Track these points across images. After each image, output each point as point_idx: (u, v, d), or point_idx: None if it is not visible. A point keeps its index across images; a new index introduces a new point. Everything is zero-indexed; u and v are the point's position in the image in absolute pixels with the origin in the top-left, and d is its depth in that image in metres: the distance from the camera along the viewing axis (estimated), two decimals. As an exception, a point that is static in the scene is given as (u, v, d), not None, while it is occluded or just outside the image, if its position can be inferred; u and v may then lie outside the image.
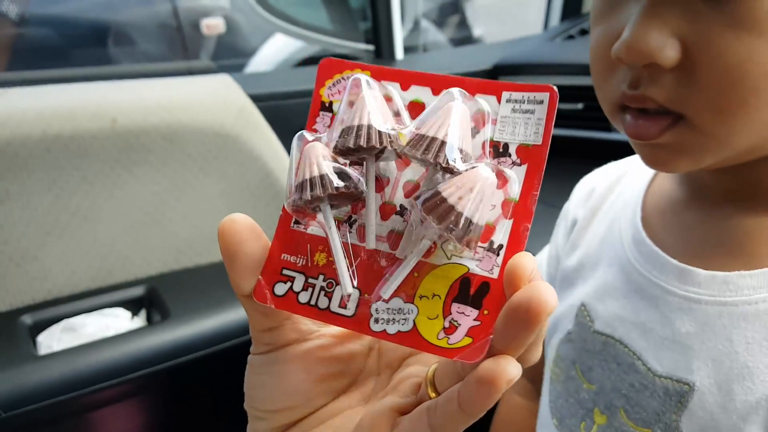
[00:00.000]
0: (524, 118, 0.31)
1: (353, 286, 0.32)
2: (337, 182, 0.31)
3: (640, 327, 0.49)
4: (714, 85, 0.38)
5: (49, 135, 0.96)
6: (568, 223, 0.63)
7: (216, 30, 2.97)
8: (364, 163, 0.33)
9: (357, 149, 0.31)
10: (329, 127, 0.34)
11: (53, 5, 2.40)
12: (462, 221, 0.29)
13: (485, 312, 0.30)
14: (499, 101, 0.32)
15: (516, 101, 0.32)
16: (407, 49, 1.37)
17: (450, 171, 0.30)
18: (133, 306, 1.05)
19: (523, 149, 0.31)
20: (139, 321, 1.05)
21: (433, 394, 0.32)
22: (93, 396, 0.91)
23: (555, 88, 0.31)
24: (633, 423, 0.48)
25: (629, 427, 0.48)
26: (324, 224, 0.32)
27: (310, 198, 0.31)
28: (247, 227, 0.32)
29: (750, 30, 0.36)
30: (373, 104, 0.32)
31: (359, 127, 0.31)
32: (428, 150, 0.30)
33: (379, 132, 0.31)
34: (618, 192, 0.58)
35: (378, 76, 0.34)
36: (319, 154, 0.32)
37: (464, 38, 3.31)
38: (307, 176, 0.32)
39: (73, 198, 1.00)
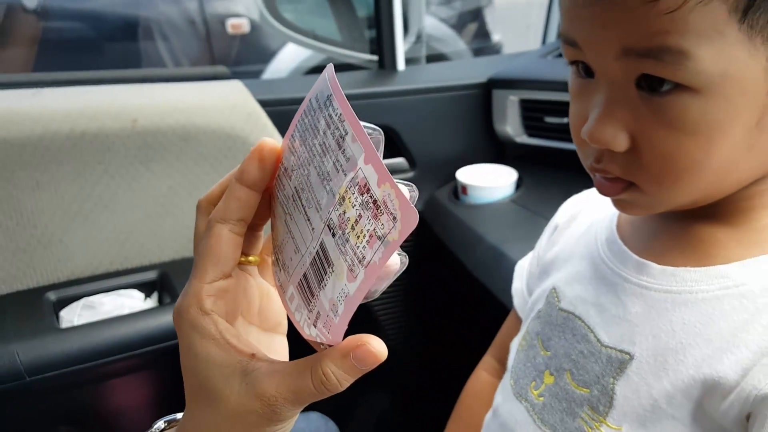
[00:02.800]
0: None
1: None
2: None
3: (598, 307, 0.57)
4: (654, 166, 0.47)
5: (76, 132, 1.06)
6: (550, 228, 0.73)
7: (240, 29, 3.06)
8: None
9: None
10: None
11: (84, 1, 2.51)
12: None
13: None
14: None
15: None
16: (410, 60, 1.45)
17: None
18: (146, 288, 1.14)
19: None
20: (151, 302, 1.14)
21: None
22: (107, 367, 1.01)
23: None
24: (575, 384, 0.56)
25: (571, 387, 0.57)
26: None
27: None
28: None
29: (678, 130, 0.45)
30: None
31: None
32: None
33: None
34: (597, 202, 0.67)
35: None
36: None
37: (483, 46, 3.34)
38: None
39: (96, 189, 1.09)
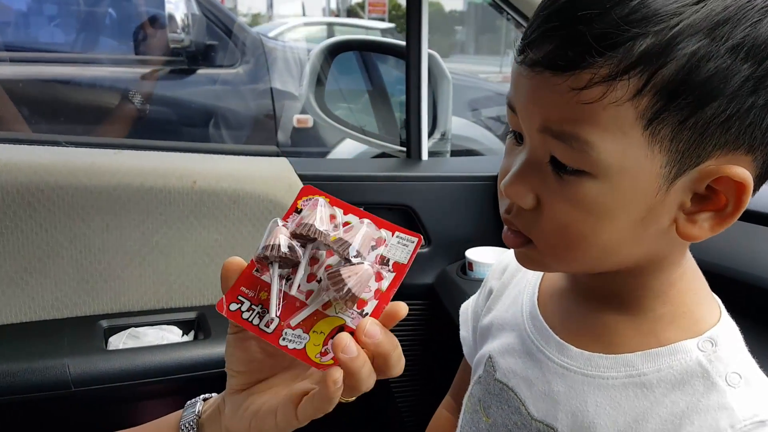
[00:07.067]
0: (402, 248, 0.50)
1: (276, 315, 0.49)
2: (284, 250, 0.49)
3: (527, 381, 0.59)
4: (549, 230, 0.50)
5: (144, 186, 1.18)
6: (485, 291, 0.76)
7: (305, 124, 3.26)
8: (307, 245, 0.50)
9: (303, 236, 0.49)
10: (296, 223, 0.51)
11: (172, 89, 2.73)
12: (345, 290, 0.47)
13: None
14: (392, 235, 0.50)
15: (400, 238, 0.50)
16: (436, 153, 1.56)
17: (349, 261, 0.48)
18: (185, 326, 1.23)
19: (396, 264, 0.49)
20: (188, 339, 1.22)
21: None
22: (143, 387, 1.08)
23: (421, 236, 0.49)
24: None
25: None
26: (271, 274, 0.50)
27: (267, 255, 0.49)
28: (239, 266, 0.51)
29: (574, 206, 0.48)
30: (321, 215, 0.50)
31: (308, 225, 0.49)
32: (341, 247, 0.49)
33: (317, 229, 0.49)
34: (524, 272, 0.69)
35: (332, 202, 0.52)
36: (281, 233, 0.49)
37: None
38: (269, 243, 0.49)
39: (155, 236, 1.20)
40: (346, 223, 0.51)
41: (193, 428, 0.55)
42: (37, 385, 1.02)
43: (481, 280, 1.25)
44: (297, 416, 0.48)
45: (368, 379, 0.46)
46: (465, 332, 0.78)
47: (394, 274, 0.49)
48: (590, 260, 0.52)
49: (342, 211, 0.52)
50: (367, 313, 0.47)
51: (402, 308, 0.48)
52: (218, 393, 0.59)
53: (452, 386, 0.84)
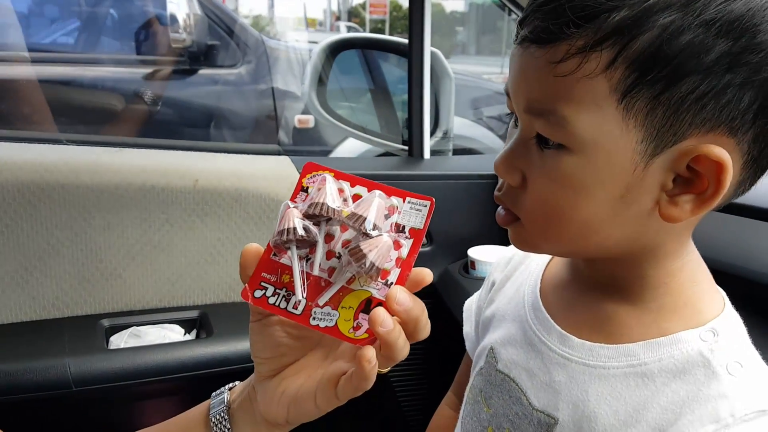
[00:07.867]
0: (415, 213, 0.49)
1: (302, 296, 0.49)
2: (301, 232, 0.48)
3: (528, 371, 0.59)
4: (531, 206, 0.51)
5: (147, 185, 1.17)
6: (488, 283, 0.76)
7: (306, 124, 3.26)
8: (321, 223, 0.50)
9: (316, 215, 0.49)
10: (304, 201, 0.50)
11: (174, 89, 2.73)
12: (368, 263, 0.46)
13: None
14: (404, 202, 0.50)
15: (412, 203, 0.49)
16: (438, 152, 1.56)
17: (367, 235, 0.47)
18: (187, 325, 1.22)
19: (412, 230, 0.49)
20: (189, 338, 1.21)
21: None
22: (144, 387, 1.07)
23: (433, 199, 0.49)
24: None
25: None
26: (291, 258, 0.49)
27: (285, 239, 0.48)
28: (257, 253, 0.50)
29: (553, 181, 0.49)
30: (331, 191, 0.49)
31: (321, 204, 0.48)
32: (357, 222, 0.48)
33: (330, 207, 0.48)
34: (527, 264, 0.70)
35: (337, 176, 0.51)
36: (293, 215, 0.48)
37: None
38: (284, 227, 0.48)
39: (157, 234, 1.20)
40: (355, 195, 0.50)
41: (225, 419, 0.55)
42: (37, 384, 1.01)
43: (483, 279, 1.26)
44: (337, 396, 0.49)
45: (404, 348, 0.46)
46: (468, 328, 0.78)
47: (411, 240, 0.49)
48: (572, 238, 0.52)
49: (349, 183, 0.51)
50: (391, 283, 0.47)
51: (426, 274, 0.48)
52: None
53: (454, 382, 0.84)
